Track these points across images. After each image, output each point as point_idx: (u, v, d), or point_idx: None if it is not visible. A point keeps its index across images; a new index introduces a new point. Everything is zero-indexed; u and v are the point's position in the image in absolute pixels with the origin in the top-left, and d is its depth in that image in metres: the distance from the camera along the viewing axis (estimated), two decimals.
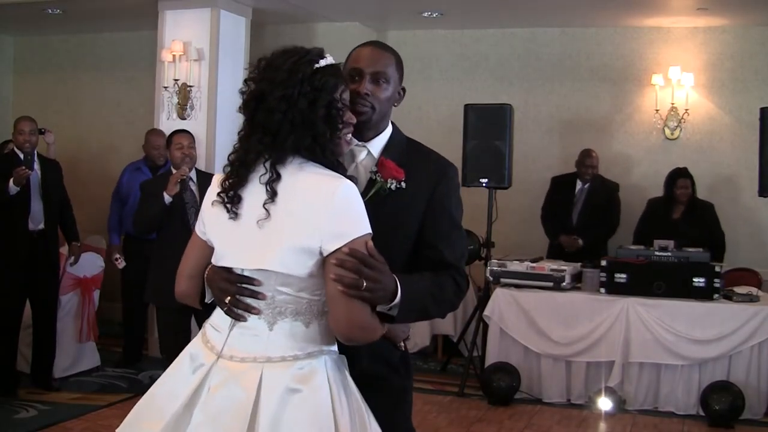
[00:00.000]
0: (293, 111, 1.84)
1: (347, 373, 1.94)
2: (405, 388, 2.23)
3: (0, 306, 5.24)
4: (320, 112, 1.85)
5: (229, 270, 1.93)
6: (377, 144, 2.13)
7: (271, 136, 1.85)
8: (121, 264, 6.20)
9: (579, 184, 6.63)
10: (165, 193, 4.61)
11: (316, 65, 1.88)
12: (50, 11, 7.08)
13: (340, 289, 1.78)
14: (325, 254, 1.81)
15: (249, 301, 1.88)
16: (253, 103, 1.89)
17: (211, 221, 1.98)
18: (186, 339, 4.69)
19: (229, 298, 1.90)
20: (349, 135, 1.97)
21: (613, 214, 6.60)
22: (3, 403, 5.11)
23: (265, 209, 1.83)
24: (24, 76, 8.41)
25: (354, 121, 1.97)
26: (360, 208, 1.84)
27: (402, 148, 2.15)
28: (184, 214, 4.67)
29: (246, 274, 1.90)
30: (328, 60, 1.92)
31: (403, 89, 2.19)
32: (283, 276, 1.84)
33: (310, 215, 1.80)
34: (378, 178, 2.05)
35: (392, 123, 2.19)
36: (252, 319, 1.89)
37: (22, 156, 5.24)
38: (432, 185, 2.09)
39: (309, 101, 1.84)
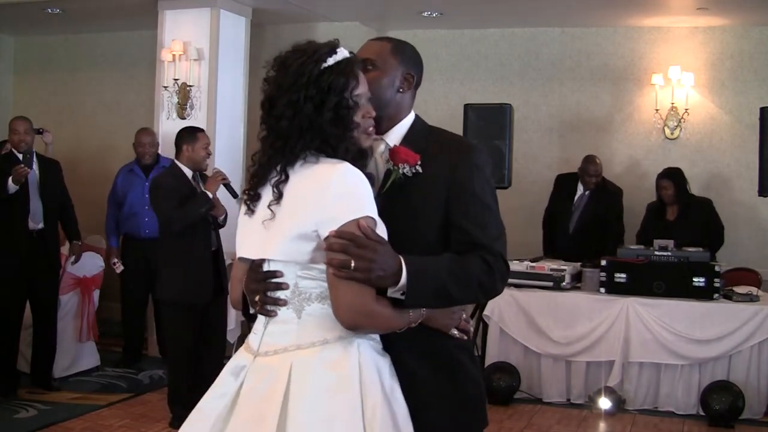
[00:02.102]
0: (300, 116, 1.82)
1: (387, 361, 1.88)
2: (464, 390, 2.02)
3: (0, 306, 5.24)
4: (327, 116, 1.82)
5: (257, 271, 1.93)
6: (395, 135, 2.06)
7: (281, 141, 1.85)
8: (119, 269, 6.19)
9: (580, 189, 6.49)
10: (207, 191, 4.71)
11: (324, 65, 1.84)
12: (50, 11, 7.08)
13: (331, 272, 1.75)
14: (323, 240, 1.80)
15: (277, 293, 1.88)
16: (266, 106, 1.89)
17: (239, 218, 2.01)
18: (190, 339, 4.70)
19: (258, 296, 1.90)
20: (371, 128, 1.93)
21: (615, 222, 6.41)
22: (3, 403, 5.11)
23: (270, 210, 1.84)
24: (24, 76, 8.41)
25: (374, 114, 1.92)
26: (358, 191, 1.79)
27: (424, 137, 2.07)
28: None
29: (271, 267, 1.89)
30: (338, 56, 1.87)
31: (412, 75, 2.10)
32: (298, 262, 1.84)
33: (307, 202, 1.80)
34: (391, 167, 1.98)
35: (415, 114, 2.13)
36: (282, 311, 1.88)
37: (20, 156, 5.24)
38: (452, 167, 1.97)
39: (315, 105, 1.82)
